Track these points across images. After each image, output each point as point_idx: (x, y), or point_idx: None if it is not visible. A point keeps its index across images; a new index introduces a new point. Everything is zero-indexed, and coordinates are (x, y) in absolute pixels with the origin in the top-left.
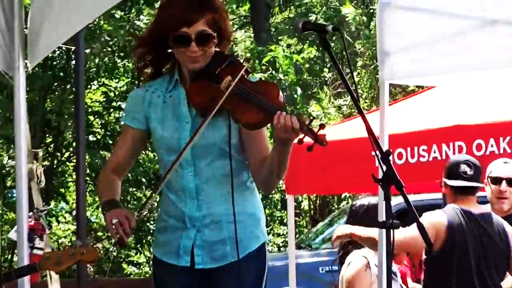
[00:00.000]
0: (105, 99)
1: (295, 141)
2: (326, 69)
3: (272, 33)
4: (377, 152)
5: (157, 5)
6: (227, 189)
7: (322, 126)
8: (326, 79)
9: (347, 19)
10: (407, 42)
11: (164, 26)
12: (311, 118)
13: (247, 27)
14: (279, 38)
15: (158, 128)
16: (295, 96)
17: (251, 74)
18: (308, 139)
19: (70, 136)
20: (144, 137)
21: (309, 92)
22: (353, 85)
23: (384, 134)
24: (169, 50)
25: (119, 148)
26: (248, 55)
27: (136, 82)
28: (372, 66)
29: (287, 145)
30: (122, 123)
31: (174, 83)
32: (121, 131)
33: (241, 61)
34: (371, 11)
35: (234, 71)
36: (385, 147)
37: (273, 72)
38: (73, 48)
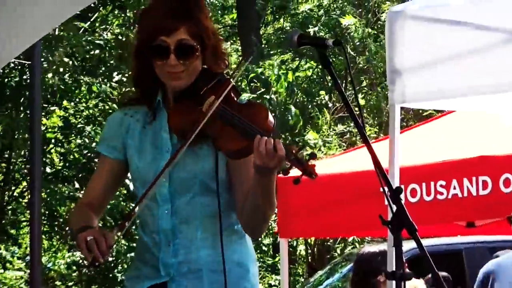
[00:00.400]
0: (63, 124)
1: (280, 172)
2: (323, 91)
3: (263, 45)
4: (386, 189)
5: (126, 14)
6: (210, 231)
7: (312, 156)
8: (325, 101)
9: (349, 31)
10: (422, 59)
11: (143, 36)
12: (301, 145)
13: (234, 39)
14: (271, 52)
15: (135, 157)
16: (289, 119)
17: (242, 97)
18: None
19: (24, 167)
20: (122, 168)
21: (306, 116)
22: (357, 109)
23: (394, 167)
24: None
25: (93, 181)
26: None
27: (105, 106)
28: (380, 86)
29: (268, 174)
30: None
31: (156, 106)
32: (98, 161)
33: (229, 77)
34: (379, 19)
35: (222, 91)
36: (395, 183)
37: (265, 93)
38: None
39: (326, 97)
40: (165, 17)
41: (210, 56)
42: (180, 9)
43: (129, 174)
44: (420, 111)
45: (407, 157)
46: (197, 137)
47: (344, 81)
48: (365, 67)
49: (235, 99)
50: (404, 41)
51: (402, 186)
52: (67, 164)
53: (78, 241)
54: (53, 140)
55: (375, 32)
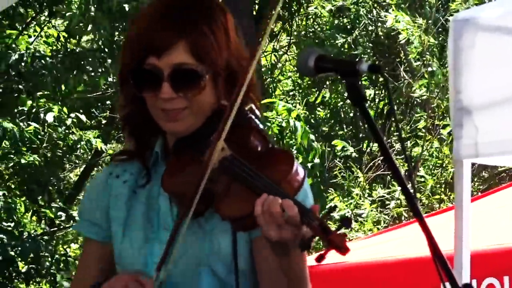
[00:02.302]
0: None
1: (312, 257)
2: (338, 141)
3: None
4: (448, 286)
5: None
6: None
7: (345, 221)
8: (351, 152)
9: (399, 39)
10: (505, 91)
11: (127, 60)
12: (331, 207)
13: None
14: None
15: (118, 234)
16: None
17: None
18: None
19: None
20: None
21: (326, 176)
22: (407, 166)
23: (462, 253)
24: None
25: (81, 276)
26: None
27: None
28: (443, 130)
29: (287, 251)
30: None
31: (153, 161)
32: (83, 244)
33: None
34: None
35: (240, 137)
36: (464, 277)
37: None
38: None
39: (351, 149)
40: (156, 29)
41: (224, 88)
42: (180, 17)
43: None
44: (502, 170)
45: (483, 237)
46: (201, 201)
47: (387, 121)
48: (423, 98)
49: (256, 144)
50: (475, 65)
51: (474, 282)
52: None
53: None
54: None
55: (439, 42)
